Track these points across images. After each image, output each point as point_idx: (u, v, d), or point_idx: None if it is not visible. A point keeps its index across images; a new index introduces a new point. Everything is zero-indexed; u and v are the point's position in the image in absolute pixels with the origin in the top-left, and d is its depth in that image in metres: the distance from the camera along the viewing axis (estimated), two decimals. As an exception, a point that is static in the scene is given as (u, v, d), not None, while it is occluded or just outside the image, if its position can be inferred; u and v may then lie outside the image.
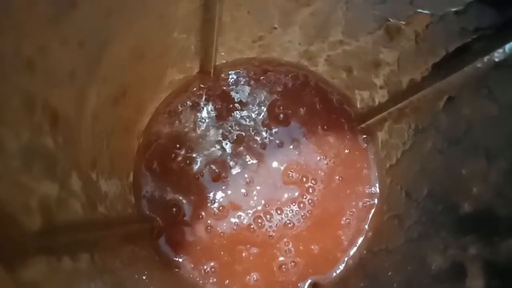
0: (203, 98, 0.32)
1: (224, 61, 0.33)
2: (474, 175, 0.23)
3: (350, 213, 0.30)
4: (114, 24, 0.19)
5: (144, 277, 0.25)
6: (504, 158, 0.22)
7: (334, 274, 0.29)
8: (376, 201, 0.31)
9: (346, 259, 0.29)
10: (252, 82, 0.32)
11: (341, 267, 0.29)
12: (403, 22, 0.25)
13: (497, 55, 0.21)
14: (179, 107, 0.31)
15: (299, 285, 0.29)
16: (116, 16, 0.19)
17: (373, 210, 0.30)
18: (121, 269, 0.21)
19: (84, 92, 0.19)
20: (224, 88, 0.32)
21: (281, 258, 0.29)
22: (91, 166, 0.21)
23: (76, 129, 0.18)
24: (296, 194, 0.30)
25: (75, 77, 0.17)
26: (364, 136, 0.32)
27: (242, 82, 0.32)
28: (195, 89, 0.32)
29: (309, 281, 0.29)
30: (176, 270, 0.29)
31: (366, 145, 0.32)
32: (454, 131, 0.25)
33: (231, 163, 0.31)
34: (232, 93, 0.32)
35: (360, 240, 0.30)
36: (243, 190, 0.30)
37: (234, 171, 0.31)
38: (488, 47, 0.21)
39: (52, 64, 0.15)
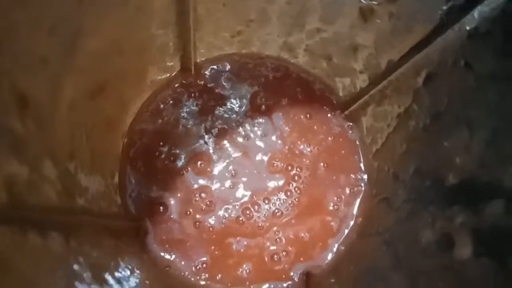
0: (185, 95, 0.32)
1: (204, 58, 0.34)
2: (457, 147, 0.23)
3: (338, 199, 0.30)
4: (87, 13, 0.19)
5: (129, 270, 0.24)
6: (484, 127, 0.22)
7: (326, 260, 0.29)
8: (363, 186, 0.31)
9: (337, 245, 0.29)
10: (233, 76, 0.32)
11: (333, 253, 0.29)
12: (375, 3, 0.26)
13: (467, 22, 0.21)
14: (161, 105, 0.31)
15: (291, 273, 0.28)
16: (89, 4, 0.19)
17: (361, 195, 0.30)
18: (102, 258, 0.20)
19: (59, 81, 0.19)
20: (206, 83, 0.32)
21: (272, 248, 0.29)
22: (68, 158, 0.20)
23: (49, 116, 0.18)
24: (282, 182, 0.30)
25: (48, 64, 0.17)
26: (348, 123, 0.32)
27: (223, 77, 0.32)
28: (176, 85, 0.32)
29: (302, 269, 0.28)
30: (167, 269, 0.29)
31: (350, 131, 0.32)
32: (435, 106, 0.25)
33: (215, 157, 0.30)
34: (214, 88, 0.32)
35: (350, 225, 0.29)
36: (229, 183, 0.30)
37: (219, 165, 0.30)
38: (460, 16, 0.22)
39: (20, 46, 0.15)
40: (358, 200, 0.30)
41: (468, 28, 0.21)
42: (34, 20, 0.15)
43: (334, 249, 0.29)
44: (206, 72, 0.33)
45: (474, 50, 0.22)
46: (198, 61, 0.33)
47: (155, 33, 0.28)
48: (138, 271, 0.26)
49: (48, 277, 0.13)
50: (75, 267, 0.15)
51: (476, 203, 0.20)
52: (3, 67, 0.13)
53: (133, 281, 0.25)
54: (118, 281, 0.23)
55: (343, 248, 0.29)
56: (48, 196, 0.16)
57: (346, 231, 0.29)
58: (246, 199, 0.30)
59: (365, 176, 0.31)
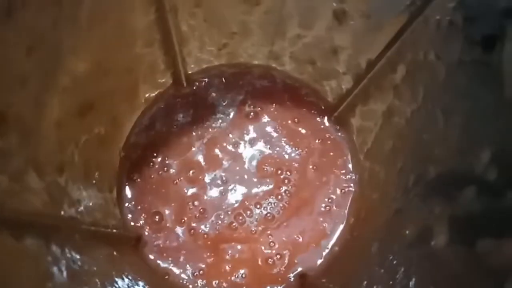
0: (177, 106, 0.33)
1: (195, 71, 0.35)
2: (435, 137, 0.23)
3: (329, 200, 0.30)
4: (64, 33, 0.21)
5: (128, 279, 0.25)
6: (457, 114, 0.22)
7: (320, 261, 0.28)
8: (353, 186, 0.31)
9: (330, 245, 0.29)
10: (222, 86, 0.34)
11: (326, 254, 0.29)
12: (345, 4, 0.26)
13: (430, 14, 0.22)
14: (154, 118, 0.32)
15: (287, 276, 0.29)
16: (65, 25, 0.21)
17: (351, 196, 0.30)
18: (100, 266, 0.22)
19: (41, 100, 0.20)
20: (196, 94, 0.33)
21: (266, 251, 0.29)
22: (57, 171, 0.22)
23: (34, 132, 0.19)
24: (272, 186, 0.31)
25: (28, 84, 0.19)
26: (337, 125, 0.33)
27: (212, 87, 0.34)
28: (168, 98, 0.33)
29: (297, 271, 0.28)
30: (166, 277, 0.30)
31: (339, 133, 0.32)
32: (414, 99, 0.26)
33: (206, 165, 0.31)
34: (203, 99, 0.33)
35: (342, 226, 0.29)
36: (220, 190, 0.31)
37: (210, 173, 0.31)
38: (422, 9, 0.22)
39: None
40: (349, 201, 0.30)
41: (431, 20, 0.22)
42: (10, 40, 0.16)
43: (328, 250, 0.29)
44: (197, 84, 0.34)
45: (441, 40, 0.22)
46: (189, 72, 0.35)
47: (141, 52, 0.29)
48: (138, 281, 0.27)
49: (21, 278, 0.14)
50: (54, 269, 0.16)
51: (452, 192, 0.20)
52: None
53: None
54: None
55: (336, 248, 0.29)
56: (31, 203, 0.17)
57: (339, 231, 0.29)
58: (237, 204, 0.30)
59: (355, 177, 0.31)
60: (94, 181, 0.28)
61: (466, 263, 0.16)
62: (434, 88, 0.23)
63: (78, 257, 0.20)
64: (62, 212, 0.21)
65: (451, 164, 0.21)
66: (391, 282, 0.20)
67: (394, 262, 0.21)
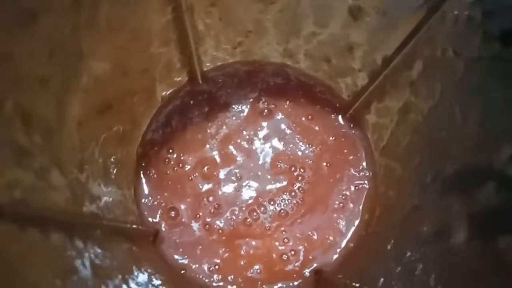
0: (192, 103, 0.33)
1: (210, 68, 0.35)
2: (452, 134, 0.23)
3: (343, 197, 0.30)
4: (84, 37, 0.21)
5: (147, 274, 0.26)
6: (475, 110, 0.21)
7: (335, 257, 0.29)
8: (367, 183, 0.31)
9: (345, 242, 0.29)
10: (237, 83, 0.34)
11: (341, 250, 0.29)
12: (361, 0, 0.26)
13: (447, 9, 0.21)
14: (170, 115, 0.33)
15: (303, 272, 0.29)
16: (85, 29, 0.21)
17: (366, 193, 0.30)
18: (119, 262, 0.22)
19: (63, 100, 0.21)
20: (211, 91, 0.34)
21: (280, 248, 0.29)
22: (78, 168, 0.22)
23: (56, 131, 0.20)
24: (286, 183, 0.31)
25: (49, 86, 0.19)
26: (351, 122, 0.33)
27: (228, 84, 0.34)
28: (184, 95, 0.33)
29: (312, 267, 0.29)
30: (183, 272, 0.30)
31: (353, 130, 0.32)
32: (431, 96, 0.25)
33: (221, 162, 0.31)
34: (218, 96, 0.33)
35: (356, 222, 0.29)
36: (235, 186, 0.31)
37: (225, 169, 0.31)
38: (440, 5, 0.22)
39: (21, 69, 0.17)
40: (364, 197, 0.30)
41: (449, 15, 0.22)
42: (33, 44, 0.17)
43: (342, 246, 0.29)
44: (212, 81, 0.34)
45: (459, 36, 0.22)
46: (205, 70, 0.35)
47: (158, 52, 0.30)
48: (156, 276, 0.28)
49: (45, 272, 0.14)
50: (77, 263, 0.16)
51: (471, 188, 0.20)
52: (4, 89, 0.15)
53: (152, 285, 0.27)
54: (138, 285, 0.25)
55: (351, 245, 0.29)
56: (54, 200, 0.18)
57: (353, 228, 0.29)
58: (252, 201, 0.30)
59: (370, 174, 0.31)
60: (113, 177, 0.28)
61: (486, 260, 0.16)
62: (451, 85, 0.23)
63: (100, 251, 0.20)
64: (84, 208, 0.21)
65: (469, 160, 0.21)
66: (409, 279, 0.20)
67: (412, 258, 0.21)
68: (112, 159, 0.29)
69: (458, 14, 0.21)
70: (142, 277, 0.26)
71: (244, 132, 0.32)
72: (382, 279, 0.23)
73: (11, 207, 0.14)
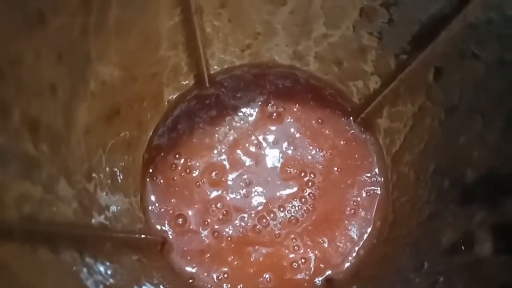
0: (199, 107, 0.32)
1: (217, 71, 0.34)
2: (473, 140, 0.23)
3: (354, 203, 0.30)
4: (92, 41, 0.21)
5: (154, 285, 0.25)
6: (498, 116, 0.21)
7: (346, 265, 0.28)
8: (379, 189, 0.30)
9: (356, 249, 0.28)
10: (245, 86, 0.33)
11: (352, 258, 0.28)
12: (377, 2, 0.26)
13: (468, 12, 0.21)
14: (176, 119, 0.32)
15: (314, 280, 0.28)
16: (93, 33, 0.20)
17: (378, 199, 0.30)
18: (125, 274, 0.21)
19: (71, 107, 0.20)
20: (219, 95, 0.33)
21: (291, 256, 0.29)
22: (86, 178, 0.21)
23: (64, 139, 0.19)
24: (296, 189, 0.30)
25: (58, 91, 0.19)
26: (362, 126, 0.32)
27: (235, 88, 0.33)
28: (190, 99, 0.33)
29: (323, 275, 0.28)
30: (191, 281, 0.29)
31: (364, 135, 0.32)
32: (449, 100, 0.25)
33: (229, 167, 0.31)
34: (226, 99, 0.33)
35: (369, 229, 0.29)
36: (243, 192, 0.30)
37: (233, 174, 0.31)
38: (460, 8, 0.21)
39: (28, 75, 0.16)
40: (376, 204, 0.29)
41: (470, 18, 0.21)
42: (40, 49, 0.16)
43: (354, 254, 0.28)
44: (219, 84, 0.33)
45: (479, 40, 0.21)
46: (212, 73, 0.34)
47: (166, 55, 0.29)
48: (163, 286, 0.27)
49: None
50: (89, 283, 0.16)
51: (495, 198, 0.19)
52: (11, 96, 0.14)
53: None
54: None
55: (362, 252, 0.28)
56: (63, 213, 0.17)
57: (365, 235, 0.29)
58: (261, 207, 0.30)
59: (381, 179, 0.30)
60: (120, 185, 0.28)
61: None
62: (471, 89, 0.23)
63: (109, 264, 0.19)
64: (93, 220, 0.20)
65: (491, 168, 0.21)
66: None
67: (432, 269, 0.21)
68: (119, 166, 0.28)
69: (478, 17, 0.20)
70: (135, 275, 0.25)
71: (253, 137, 0.32)
72: (399, 289, 0.23)
73: (21, 224, 0.13)
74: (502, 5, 0.20)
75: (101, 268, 0.18)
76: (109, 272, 0.18)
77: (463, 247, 0.20)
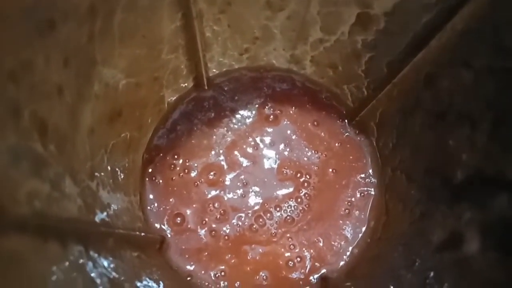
0: (197, 108, 0.33)
1: (215, 73, 0.35)
2: (462, 143, 0.24)
3: (348, 203, 0.30)
4: (98, 46, 0.21)
5: (153, 281, 0.25)
6: (486, 120, 0.22)
7: (341, 264, 0.29)
8: (373, 190, 0.31)
9: (350, 248, 0.29)
10: (242, 88, 0.34)
11: (347, 257, 0.29)
12: (371, 9, 0.27)
13: (458, 21, 0.22)
14: (175, 120, 0.33)
15: (310, 279, 0.29)
16: (99, 38, 0.21)
17: (371, 199, 0.30)
18: (126, 270, 0.22)
19: (77, 108, 0.21)
20: (217, 97, 0.34)
21: (287, 254, 0.30)
22: (89, 177, 0.22)
23: (70, 140, 0.20)
24: (292, 189, 0.31)
25: (65, 94, 0.19)
26: (357, 128, 0.33)
27: (233, 90, 0.34)
28: (189, 100, 0.33)
29: (318, 274, 0.29)
30: (189, 278, 0.30)
31: (358, 137, 0.33)
32: (439, 105, 0.26)
33: (227, 168, 0.31)
34: (224, 101, 0.33)
35: (363, 229, 0.30)
36: (241, 192, 0.31)
37: (230, 175, 0.31)
38: (450, 17, 0.22)
39: (37, 78, 0.17)
40: (370, 204, 0.30)
41: (459, 27, 0.22)
42: (49, 54, 0.16)
43: (348, 253, 0.29)
44: (218, 87, 0.34)
45: (469, 47, 0.22)
46: (210, 75, 0.35)
47: (167, 58, 0.30)
48: (162, 282, 0.27)
49: (63, 281, 0.14)
50: (93, 275, 0.16)
51: (482, 198, 0.20)
52: (22, 99, 0.15)
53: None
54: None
55: (356, 251, 0.29)
56: (69, 210, 0.17)
57: (360, 235, 0.29)
58: (258, 207, 0.31)
59: (375, 180, 0.31)
60: (120, 184, 0.28)
61: (503, 271, 0.17)
62: (461, 95, 0.24)
63: (111, 259, 0.20)
64: (96, 217, 0.21)
65: (479, 169, 0.22)
66: (421, 287, 0.20)
67: (423, 266, 0.22)
68: (120, 166, 0.29)
69: (468, 25, 0.21)
70: (150, 284, 0.25)
71: (250, 138, 0.32)
72: (391, 286, 0.24)
73: (33, 218, 0.13)
74: (490, 15, 0.21)
75: (105, 262, 0.18)
76: (112, 266, 0.19)
77: (452, 245, 0.21)
